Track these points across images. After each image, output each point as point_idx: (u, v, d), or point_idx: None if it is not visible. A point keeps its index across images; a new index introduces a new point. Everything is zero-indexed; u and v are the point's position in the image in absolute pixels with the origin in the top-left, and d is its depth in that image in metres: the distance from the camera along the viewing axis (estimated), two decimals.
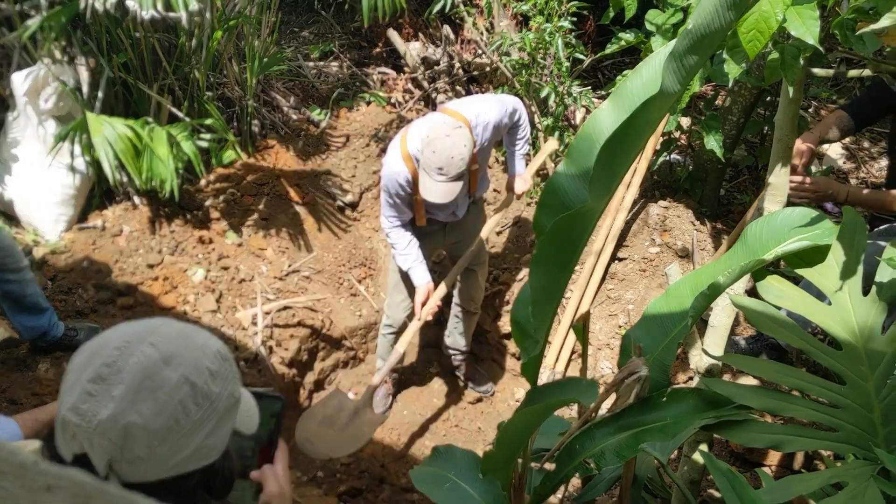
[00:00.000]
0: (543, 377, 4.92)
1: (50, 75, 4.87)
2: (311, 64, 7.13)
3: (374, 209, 6.23)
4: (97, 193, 5.31)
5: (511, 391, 5.68)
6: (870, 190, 4.76)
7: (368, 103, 6.81)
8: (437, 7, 5.78)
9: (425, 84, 6.95)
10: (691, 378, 4.74)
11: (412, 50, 7.10)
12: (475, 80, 6.96)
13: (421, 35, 7.28)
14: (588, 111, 6.27)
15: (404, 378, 5.76)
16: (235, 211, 5.65)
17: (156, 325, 1.45)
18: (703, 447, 2.72)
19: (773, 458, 4.27)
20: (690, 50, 1.67)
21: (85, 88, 5.09)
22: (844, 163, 6.43)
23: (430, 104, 6.94)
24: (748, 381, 4.35)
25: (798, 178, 3.99)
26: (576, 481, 3.71)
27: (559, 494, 2.85)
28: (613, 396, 2.42)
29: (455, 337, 5.45)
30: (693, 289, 2.41)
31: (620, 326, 5.20)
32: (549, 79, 5.80)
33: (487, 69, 6.75)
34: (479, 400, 5.68)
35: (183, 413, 1.36)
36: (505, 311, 5.72)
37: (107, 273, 4.87)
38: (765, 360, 4.05)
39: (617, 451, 2.31)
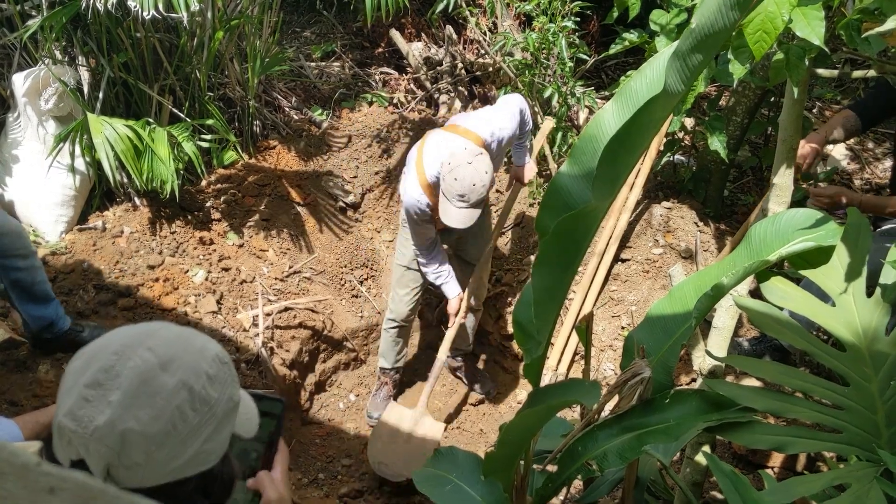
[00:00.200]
0: (546, 379, 4.90)
1: (50, 76, 4.86)
2: (312, 64, 7.12)
3: (375, 210, 6.22)
4: (98, 194, 5.30)
5: (513, 393, 5.67)
6: (882, 196, 4.73)
7: (370, 104, 6.80)
8: (440, 7, 5.77)
9: (428, 84, 6.94)
10: (694, 379, 4.73)
11: (415, 50, 7.09)
12: (478, 80, 6.95)
13: (423, 35, 7.27)
14: (591, 112, 6.27)
15: (405, 380, 5.75)
16: (236, 212, 5.64)
17: (153, 329, 1.43)
18: (706, 449, 2.71)
19: (776, 459, 4.26)
20: (694, 49, 1.66)
21: (85, 89, 5.08)
22: (849, 164, 6.42)
23: (432, 105, 6.93)
24: (751, 382, 4.34)
25: (819, 191, 3.99)
26: (578, 483, 3.70)
27: (561, 496, 2.83)
28: (616, 398, 2.41)
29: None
30: (696, 290, 2.40)
31: (623, 328, 5.19)
32: (552, 79, 5.79)
33: (490, 69, 6.74)
34: (481, 401, 5.67)
35: (181, 418, 1.35)
36: (507, 313, 5.71)
37: (107, 274, 4.86)
38: (768, 362, 4.04)
39: (620, 452, 2.31)
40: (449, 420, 5.53)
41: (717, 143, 4.89)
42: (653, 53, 4.23)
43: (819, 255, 2.29)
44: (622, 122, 1.91)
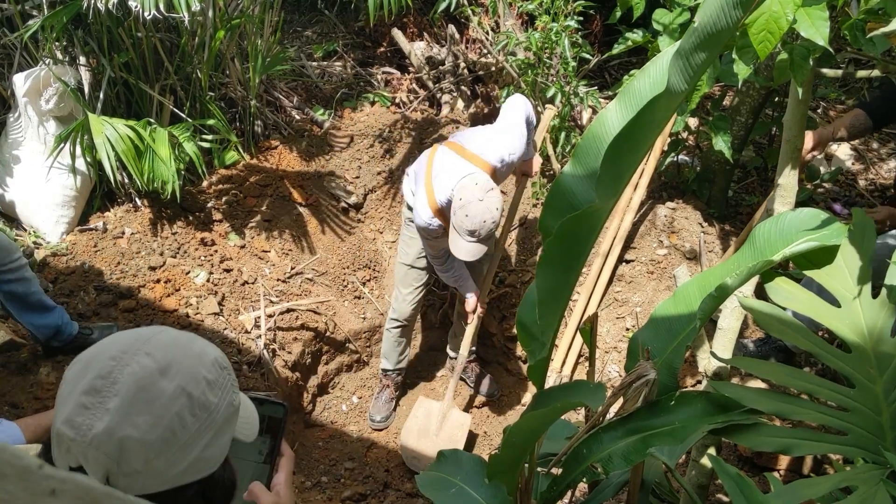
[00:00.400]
0: (550, 380, 4.89)
1: (51, 76, 4.85)
2: (314, 64, 7.12)
3: (378, 211, 6.21)
4: (98, 195, 5.29)
5: (517, 395, 5.66)
6: None
7: (373, 103, 6.79)
8: (442, 6, 5.76)
9: (430, 84, 6.93)
10: (700, 381, 4.72)
11: (417, 49, 7.08)
12: (480, 79, 6.94)
13: (425, 34, 7.26)
14: (594, 111, 6.25)
15: (408, 382, 5.74)
16: (238, 212, 5.64)
17: (151, 334, 1.41)
18: (712, 451, 2.70)
19: (783, 462, 4.25)
20: (696, 48, 1.64)
21: (86, 89, 5.08)
22: (853, 164, 6.40)
23: (434, 104, 6.92)
24: (757, 384, 4.33)
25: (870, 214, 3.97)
26: (583, 486, 3.69)
27: (566, 499, 2.82)
28: (621, 400, 2.39)
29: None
30: (701, 291, 2.38)
31: (628, 329, 5.18)
32: (555, 79, 5.77)
33: (493, 69, 6.73)
34: (485, 404, 5.66)
35: (180, 425, 1.33)
36: (511, 314, 5.70)
37: (108, 275, 4.86)
38: (773, 363, 4.02)
39: (625, 455, 2.29)
40: None
41: (721, 144, 4.87)
42: (656, 53, 4.23)
43: (823, 255, 2.28)
44: (625, 121, 1.90)
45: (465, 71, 6.96)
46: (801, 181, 5.21)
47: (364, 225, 6.19)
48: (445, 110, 6.79)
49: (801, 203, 3.63)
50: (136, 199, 5.29)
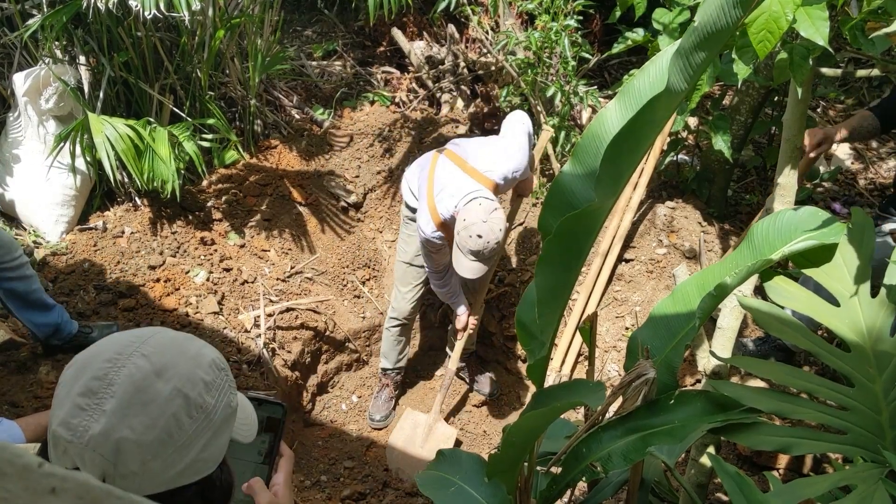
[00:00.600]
0: (550, 380, 4.89)
1: (51, 75, 4.85)
2: (314, 63, 7.12)
3: (378, 210, 6.21)
4: (98, 194, 5.29)
5: (517, 394, 5.66)
6: None
7: (372, 103, 6.79)
8: (442, 6, 5.75)
9: (430, 83, 6.93)
10: (699, 380, 4.72)
11: (416, 49, 7.08)
12: (480, 79, 6.94)
13: (425, 34, 7.26)
14: (594, 111, 6.25)
15: (407, 381, 5.74)
16: (238, 212, 5.63)
17: (148, 335, 1.41)
18: (711, 450, 2.70)
19: (782, 461, 4.25)
20: (696, 47, 1.64)
21: (86, 88, 5.08)
22: (852, 163, 6.41)
23: (434, 104, 6.92)
24: (756, 383, 4.33)
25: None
26: (582, 485, 3.69)
27: (565, 498, 2.82)
28: (620, 399, 2.40)
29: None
30: (700, 289, 2.38)
31: (627, 328, 5.18)
32: (554, 78, 5.77)
33: (493, 68, 6.72)
34: (485, 403, 5.66)
35: (176, 426, 1.32)
36: (511, 313, 5.69)
37: (108, 275, 4.86)
38: (773, 363, 4.02)
39: (624, 454, 2.29)
40: (451, 421, 5.53)
41: (720, 143, 4.88)
42: (656, 52, 4.23)
43: (822, 254, 2.28)
44: (625, 120, 1.90)
45: (465, 70, 6.96)
46: (801, 181, 5.21)
47: (364, 224, 6.19)
48: (445, 110, 6.79)
49: (800, 202, 3.63)
50: (136, 199, 5.29)
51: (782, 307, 2.55)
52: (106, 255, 4.95)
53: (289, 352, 5.09)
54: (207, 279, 5.06)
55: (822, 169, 6.04)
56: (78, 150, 4.83)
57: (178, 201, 5.21)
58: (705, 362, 2.82)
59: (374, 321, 5.79)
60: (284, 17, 6.39)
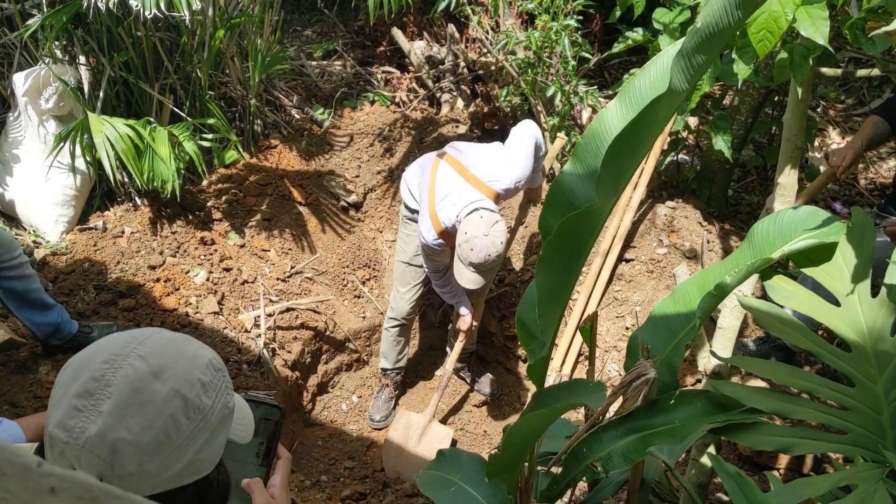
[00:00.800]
0: (550, 379, 4.89)
1: (51, 75, 4.85)
2: (314, 63, 7.12)
3: (378, 210, 6.21)
4: (98, 194, 5.29)
5: (517, 394, 5.66)
6: None
7: (372, 103, 6.79)
8: (442, 5, 5.75)
9: (430, 83, 6.93)
10: (699, 380, 4.72)
11: (416, 49, 7.08)
12: (480, 79, 6.94)
13: (425, 34, 7.26)
14: (594, 110, 6.25)
15: (407, 381, 5.74)
16: (238, 211, 5.63)
17: (145, 336, 1.40)
18: (712, 450, 2.70)
19: (782, 461, 4.25)
20: (698, 49, 1.64)
21: (86, 88, 5.08)
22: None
23: (434, 104, 6.92)
24: (757, 383, 4.33)
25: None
26: (583, 485, 3.69)
27: (566, 498, 2.81)
28: (621, 399, 2.40)
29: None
30: (700, 289, 2.38)
31: (628, 328, 5.18)
32: (554, 78, 5.77)
33: (493, 68, 6.72)
34: (485, 403, 5.66)
35: (174, 427, 1.32)
36: (511, 313, 5.69)
37: (108, 275, 4.86)
38: (773, 362, 4.03)
39: (624, 454, 2.29)
40: (451, 421, 5.52)
41: (721, 143, 4.88)
42: (656, 52, 4.23)
43: (822, 253, 2.28)
44: (626, 120, 1.90)
45: (465, 70, 6.96)
46: (802, 181, 5.20)
47: (364, 224, 6.19)
48: (445, 109, 6.79)
49: None
50: (136, 199, 5.29)
51: (782, 307, 2.55)
52: (106, 255, 4.94)
53: (289, 352, 5.09)
54: (207, 279, 5.06)
55: (822, 169, 6.04)
56: (78, 150, 4.83)
57: (178, 201, 5.21)
58: (706, 362, 2.82)
59: (374, 321, 5.79)
60: (284, 17, 6.39)
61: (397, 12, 5.52)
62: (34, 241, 5.04)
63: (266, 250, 5.55)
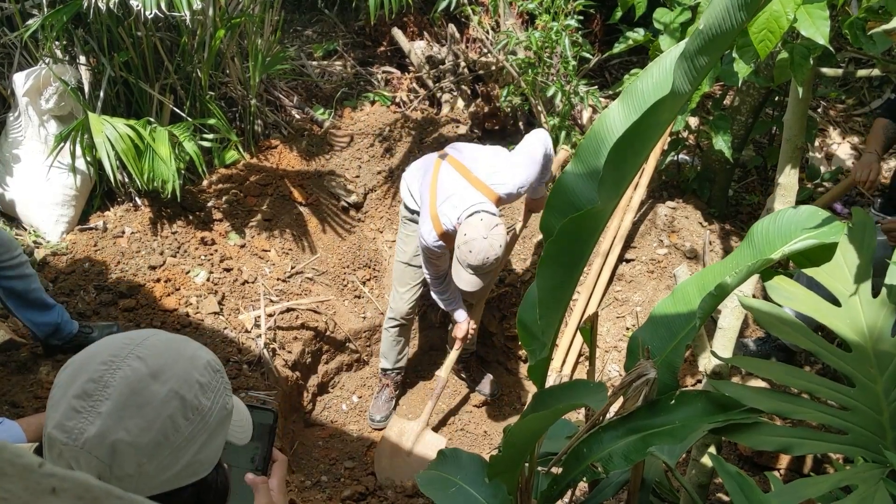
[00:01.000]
0: (550, 380, 4.89)
1: (51, 75, 4.85)
2: (314, 63, 7.12)
3: (378, 210, 6.21)
4: (98, 194, 5.29)
5: (517, 394, 5.66)
6: None
7: (373, 103, 6.79)
8: (443, 6, 5.74)
9: (430, 83, 6.93)
10: (700, 380, 4.72)
11: (417, 49, 7.08)
12: (480, 79, 6.94)
13: (426, 34, 7.26)
14: (595, 110, 6.25)
15: (407, 381, 5.74)
16: (238, 212, 5.63)
17: (143, 337, 1.40)
18: (712, 450, 2.70)
19: (783, 461, 4.25)
20: (701, 50, 1.64)
21: (86, 88, 5.08)
22: (853, 163, 6.40)
23: (434, 104, 6.92)
24: (757, 383, 4.34)
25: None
26: (583, 485, 3.69)
27: (566, 499, 2.82)
28: (621, 399, 2.40)
29: None
30: (700, 289, 2.38)
31: (628, 328, 5.18)
32: (555, 78, 5.77)
33: (493, 68, 6.72)
34: (485, 403, 5.66)
35: (172, 428, 1.32)
36: (511, 314, 5.69)
37: (108, 275, 4.85)
38: (774, 363, 4.03)
39: (625, 454, 2.29)
40: (451, 421, 5.52)
41: (721, 143, 4.88)
42: (657, 52, 4.24)
43: (822, 253, 2.28)
44: (628, 121, 1.90)
45: (466, 70, 6.96)
46: (803, 181, 5.21)
47: (364, 224, 6.19)
48: (445, 109, 6.79)
49: (801, 202, 3.63)
50: (136, 199, 5.29)
51: (780, 306, 2.55)
52: (106, 255, 4.94)
53: (289, 352, 5.09)
54: (208, 279, 5.06)
55: (822, 169, 6.04)
56: (78, 150, 4.82)
57: (178, 201, 5.20)
58: (706, 362, 2.82)
59: (374, 321, 5.79)
60: (285, 17, 6.39)
61: (397, 12, 5.52)
62: (34, 241, 5.04)
63: (266, 250, 5.55)
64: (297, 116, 6.51)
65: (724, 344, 2.98)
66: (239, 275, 5.21)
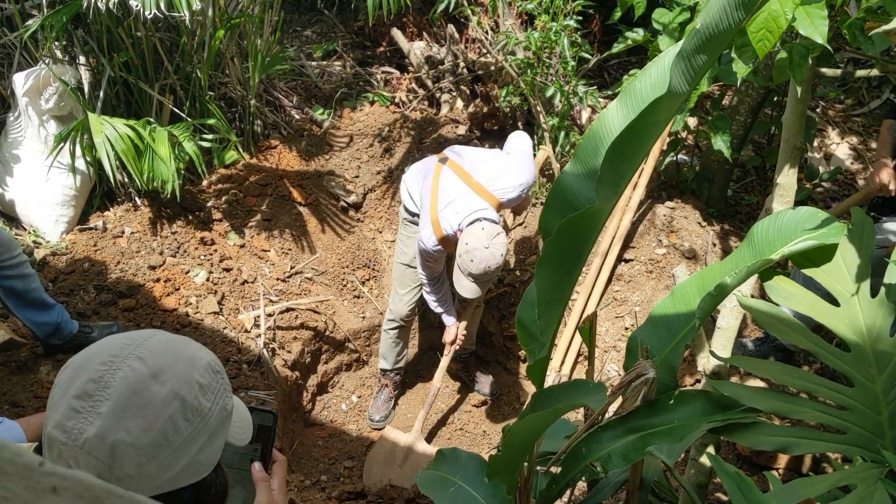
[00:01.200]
0: (549, 380, 4.89)
1: (51, 75, 4.85)
2: (314, 63, 7.12)
3: (377, 210, 6.21)
4: (98, 194, 5.29)
5: (516, 394, 5.66)
6: None
7: (372, 103, 6.79)
8: (442, 6, 5.74)
9: (429, 84, 6.93)
10: (699, 380, 4.72)
11: (416, 49, 7.08)
12: (480, 79, 6.94)
13: (425, 34, 7.26)
14: (594, 111, 6.25)
15: (407, 381, 5.74)
16: (238, 212, 5.63)
17: (143, 338, 1.40)
18: (711, 450, 2.70)
19: (781, 461, 4.26)
20: (699, 50, 1.64)
21: (86, 88, 5.08)
22: (852, 163, 6.41)
23: (434, 104, 6.92)
24: (756, 383, 4.34)
25: None
26: (582, 485, 3.69)
27: (565, 498, 2.82)
28: (620, 399, 2.40)
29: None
30: (699, 290, 2.38)
31: (627, 328, 5.18)
32: (554, 78, 5.77)
33: (492, 68, 6.72)
34: (484, 403, 5.66)
35: (172, 429, 1.32)
36: (510, 313, 5.69)
37: (108, 275, 4.86)
38: (772, 363, 4.03)
39: (624, 454, 2.29)
40: (450, 421, 5.53)
41: (720, 143, 4.88)
42: (656, 52, 4.24)
43: (822, 254, 2.28)
44: (626, 121, 1.90)
45: (465, 70, 6.96)
46: (801, 181, 5.20)
47: (363, 224, 6.19)
48: (445, 110, 6.79)
49: (800, 202, 3.64)
50: (136, 199, 5.29)
51: (778, 305, 2.55)
52: (106, 255, 4.94)
53: (289, 352, 5.09)
54: (207, 279, 5.06)
55: (821, 169, 6.04)
56: (78, 150, 4.83)
57: (178, 201, 5.21)
58: (705, 362, 2.82)
59: (373, 321, 5.79)
60: (284, 17, 6.40)
61: (397, 13, 5.52)
62: (34, 241, 5.04)
63: (266, 250, 5.56)
64: (297, 117, 6.51)
65: (722, 344, 2.98)
66: (238, 275, 5.22)
